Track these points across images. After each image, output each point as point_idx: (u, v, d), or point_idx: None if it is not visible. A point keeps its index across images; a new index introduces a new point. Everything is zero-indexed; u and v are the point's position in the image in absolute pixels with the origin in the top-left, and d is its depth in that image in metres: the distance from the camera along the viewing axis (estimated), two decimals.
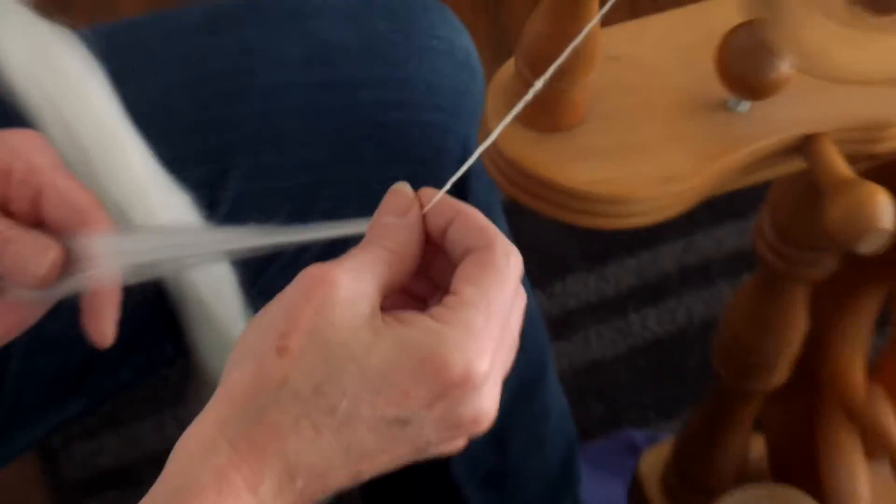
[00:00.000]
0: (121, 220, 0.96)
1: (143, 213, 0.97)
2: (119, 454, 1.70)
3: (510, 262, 0.81)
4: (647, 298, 1.83)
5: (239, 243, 0.89)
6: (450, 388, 0.78)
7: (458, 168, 1.18)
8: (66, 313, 0.93)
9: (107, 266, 0.91)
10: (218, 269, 1.03)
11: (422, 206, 0.84)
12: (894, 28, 0.90)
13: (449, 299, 0.80)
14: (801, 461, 1.32)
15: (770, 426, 1.36)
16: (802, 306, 1.16)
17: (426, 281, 0.85)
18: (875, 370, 1.29)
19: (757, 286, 1.16)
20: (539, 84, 0.88)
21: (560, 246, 1.78)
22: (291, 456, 0.77)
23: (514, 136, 0.95)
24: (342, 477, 0.79)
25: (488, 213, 1.25)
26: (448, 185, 0.84)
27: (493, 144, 0.94)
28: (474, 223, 0.82)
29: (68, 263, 0.90)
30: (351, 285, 0.78)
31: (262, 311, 0.80)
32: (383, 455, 0.79)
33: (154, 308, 0.97)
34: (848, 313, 1.23)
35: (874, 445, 1.33)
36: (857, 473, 1.31)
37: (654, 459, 1.37)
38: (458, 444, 0.82)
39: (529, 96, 0.88)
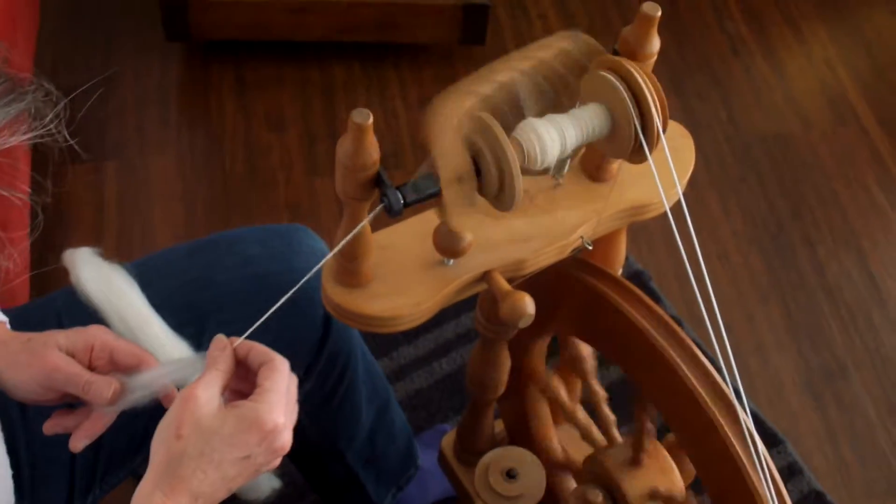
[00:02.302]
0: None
1: (163, 355, 0.97)
2: None
3: (283, 365, 0.86)
4: (441, 353, 1.84)
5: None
6: (267, 434, 0.82)
7: (322, 310, 1.13)
8: (126, 415, 0.96)
9: (159, 383, 0.92)
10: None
11: (231, 344, 0.87)
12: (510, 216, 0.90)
13: (257, 390, 0.84)
14: (521, 432, 1.31)
15: (504, 414, 1.35)
16: (505, 352, 1.16)
17: (244, 383, 0.88)
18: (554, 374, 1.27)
19: (482, 344, 1.16)
20: (328, 256, 0.91)
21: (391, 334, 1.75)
22: (194, 489, 0.81)
23: (338, 291, 0.95)
24: (222, 493, 0.83)
25: (347, 330, 1.23)
26: (248, 333, 0.87)
27: (328, 296, 0.95)
28: (261, 349, 0.87)
29: (123, 391, 0.93)
30: (205, 393, 0.83)
31: (164, 417, 0.83)
32: (240, 477, 0.83)
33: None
34: (527, 351, 1.23)
35: (558, 417, 1.31)
36: (551, 435, 1.32)
37: (449, 438, 1.37)
38: (276, 462, 0.85)
39: (322, 262, 0.91)
